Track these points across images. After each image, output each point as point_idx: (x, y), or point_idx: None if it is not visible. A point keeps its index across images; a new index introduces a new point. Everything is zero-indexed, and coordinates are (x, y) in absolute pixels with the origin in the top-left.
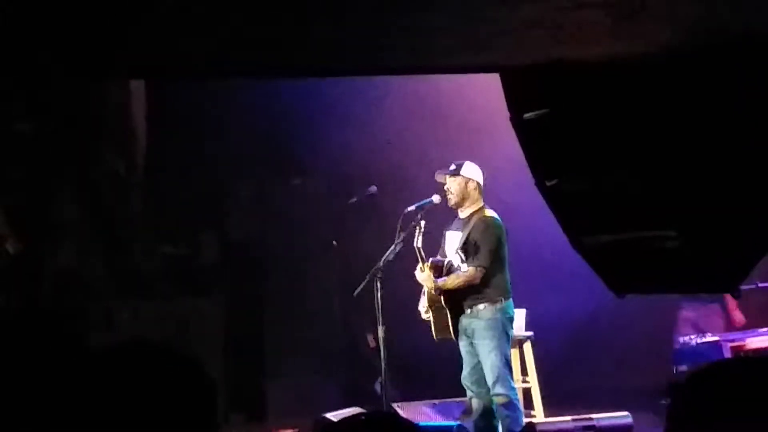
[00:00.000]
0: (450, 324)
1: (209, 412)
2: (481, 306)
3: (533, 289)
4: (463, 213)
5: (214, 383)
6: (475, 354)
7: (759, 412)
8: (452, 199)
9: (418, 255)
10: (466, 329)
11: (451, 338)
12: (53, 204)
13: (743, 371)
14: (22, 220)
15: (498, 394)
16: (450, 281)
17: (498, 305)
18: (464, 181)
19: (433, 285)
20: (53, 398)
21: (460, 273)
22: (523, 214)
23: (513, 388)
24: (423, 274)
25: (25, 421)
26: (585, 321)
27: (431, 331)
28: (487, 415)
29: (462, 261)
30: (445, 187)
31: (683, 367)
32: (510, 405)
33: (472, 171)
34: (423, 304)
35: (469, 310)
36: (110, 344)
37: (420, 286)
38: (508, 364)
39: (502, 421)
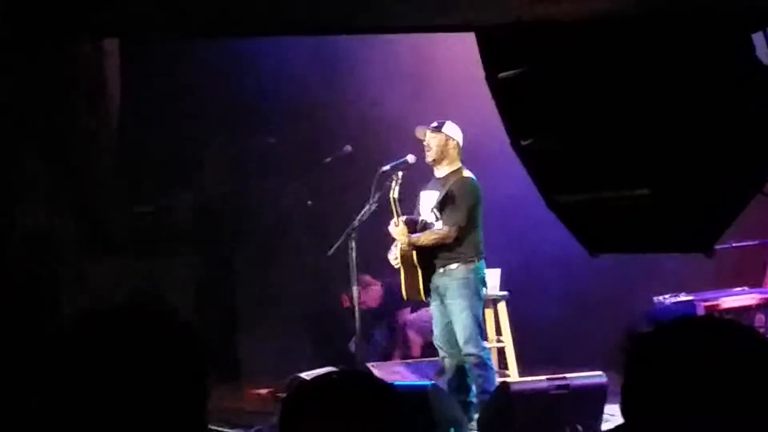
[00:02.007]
0: (421, 284)
1: (202, 376)
2: (453, 265)
3: (508, 249)
4: (439, 172)
5: (205, 347)
6: (446, 314)
7: (714, 371)
8: (431, 155)
9: (393, 207)
10: (438, 288)
11: (422, 298)
12: (22, 163)
13: (702, 330)
14: None
15: (469, 354)
16: (423, 237)
17: (471, 265)
18: (444, 139)
19: (406, 240)
20: (39, 365)
21: (435, 230)
22: (498, 174)
23: (484, 348)
24: (397, 229)
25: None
26: (560, 281)
27: (401, 291)
28: (460, 374)
29: (437, 219)
30: (425, 143)
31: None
32: (482, 365)
33: (453, 130)
34: (394, 254)
35: (441, 270)
36: (82, 305)
37: (393, 241)
38: (479, 324)
39: (474, 380)
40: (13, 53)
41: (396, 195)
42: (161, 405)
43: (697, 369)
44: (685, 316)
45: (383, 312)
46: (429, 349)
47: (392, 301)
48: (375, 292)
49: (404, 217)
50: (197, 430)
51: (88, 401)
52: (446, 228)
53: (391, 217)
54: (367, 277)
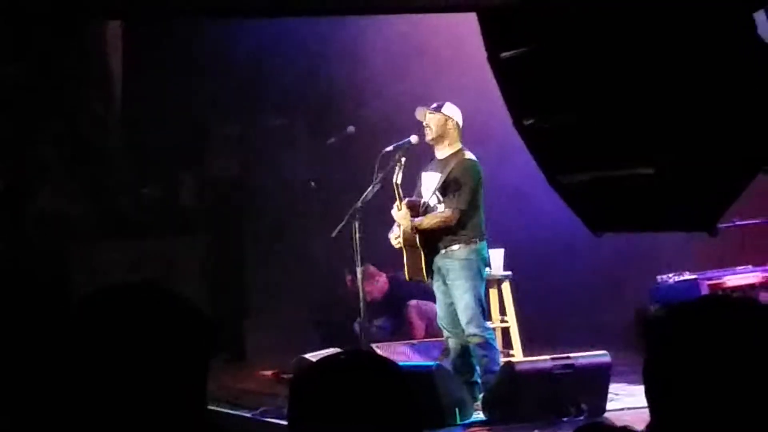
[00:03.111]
0: (423, 265)
1: (207, 354)
2: (455, 247)
3: (511, 229)
4: (440, 154)
5: (213, 325)
6: (449, 294)
7: (734, 350)
8: (430, 135)
9: (396, 192)
10: (440, 269)
11: (424, 279)
12: (34, 146)
13: (721, 309)
14: (3, 162)
15: (472, 335)
16: (426, 221)
17: (473, 246)
18: (444, 119)
19: (409, 224)
20: (46, 342)
21: (437, 213)
22: (502, 154)
23: (487, 328)
24: (400, 213)
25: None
26: (564, 260)
27: (404, 272)
28: (465, 354)
29: (439, 202)
30: (424, 123)
31: (657, 306)
32: (485, 345)
33: (452, 110)
34: (395, 234)
35: (443, 251)
36: (93, 286)
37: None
38: (481, 304)
39: (479, 361)
40: (31, 38)
41: (399, 180)
42: (161, 381)
43: (720, 347)
44: (705, 296)
45: (388, 303)
46: (432, 333)
47: (397, 293)
48: (380, 283)
49: (406, 200)
50: (197, 407)
51: (90, 377)
52: (449, 211)
53: (395, 201)
54: (373, 268)
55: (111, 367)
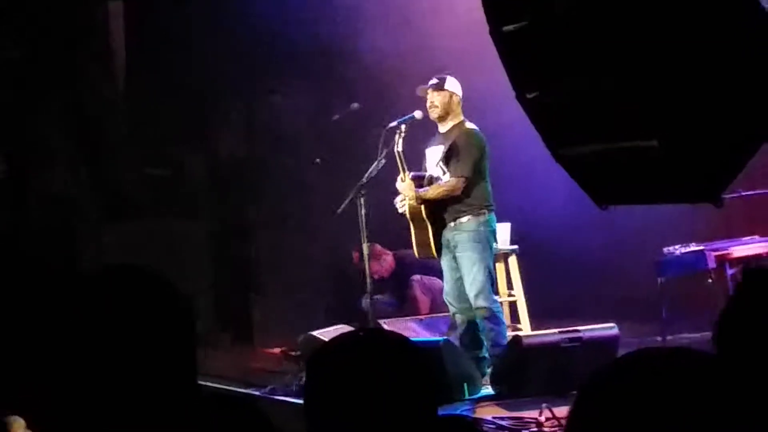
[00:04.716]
0: (432, 241)
1: (186, 333)
2: (464, 218)
3: (518, 203)
4: (443, 127)
5: (190, 304)
6: (457, 269)
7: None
8: (436, 112)
9: (399, 162)
10: (449, 243)
11: (433, 255)
12: (37, 127)
13: (649, 367)
14: (7, 142)
15: (480, 307)
16: (431, 191)
17: (481, 218)
18: (448, 95)
19: (413, 195)
20: (32, 319)
21: (442, 183)
22: (507, 128)
23: (495, 301)
24: (404, 184)
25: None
26: (570, 233)
27: (412, 249)
28: (472, 329)
29: (444, 173)
30: (429, 101)
31: (665, 278)
32: (493, 317)
33: (454, 85)
34: (401, 198)
35: (452, 223)
36: (84, 270)
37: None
38: (490, 277)
39: (486, 334)
40: (26, 16)
41: (400, 148)
42: (148, 361)
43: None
44: (624, 357)
45: (394, 280)
46: (436, 308)
47: (404, 271)
48: (387, 262)
49: (411, 173)
50: (186, 385)
51: (81, 357)
52: (453, 180)
53: (398, 173)
54: (379, 247)
55: (90, 349)
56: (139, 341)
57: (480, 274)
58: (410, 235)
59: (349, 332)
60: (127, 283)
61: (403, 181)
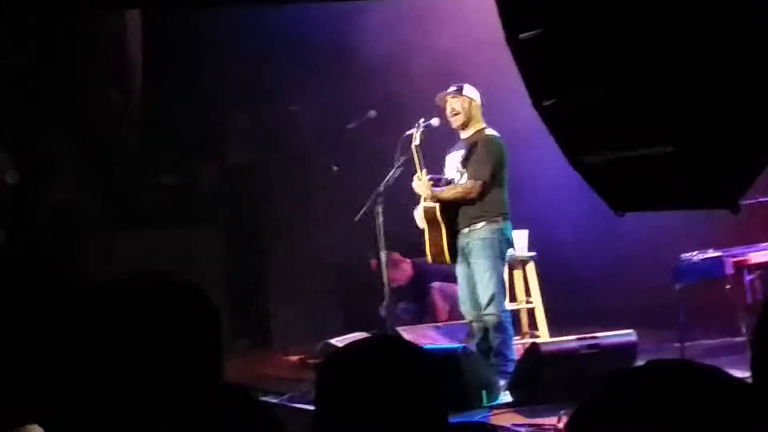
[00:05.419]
0: (445, 243)
1: (214, 339)
2: (479, 224)
3: (536, 210)
4: (465, 134)
5: (217, 310)
6: (472, 277)
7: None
8: (459, 119)
9: (416, 158)
10: (463, 249)
11: (446, 260)
12: (50, 136)
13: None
14: (20, 153)
15: (489, 314)
16: (447, 191)
17: (495, 225)
18: (468, 101)
19: (429, 193)
20: (54, 334)
21: (458, 184)
22: (525, 135)
23: (505, 310)
24: (420, 182)
25: (24, 359)
26: (588, 240)
27: (426, 255)
28: (488, 336)
29: (461, 176)
30: (450, 107)
31: (682, 284)
32: (500, 326)
33: (472, 92)
34: (420, 213)
35: (466, 229)
36: (110, 278)
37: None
38: (502, 285)
39: (492, 342)
40: (39, 27)
41: (418, 142)
42: (170, 368)
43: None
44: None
45: (412, 288)
46: (455, 315)
47: (421, 278)
48: (404, 270)
49: (429, 176)
50: (213, 389)
51: (97, 368)
52: (470, 182)
53: (414, 171)
54: (397, 255)
55: (117, 357)
56: (169, 348)
57: (492, 282)
58: (423, 238)
59: (361, 339)
60: (156, 290)
61: (419, 179)
